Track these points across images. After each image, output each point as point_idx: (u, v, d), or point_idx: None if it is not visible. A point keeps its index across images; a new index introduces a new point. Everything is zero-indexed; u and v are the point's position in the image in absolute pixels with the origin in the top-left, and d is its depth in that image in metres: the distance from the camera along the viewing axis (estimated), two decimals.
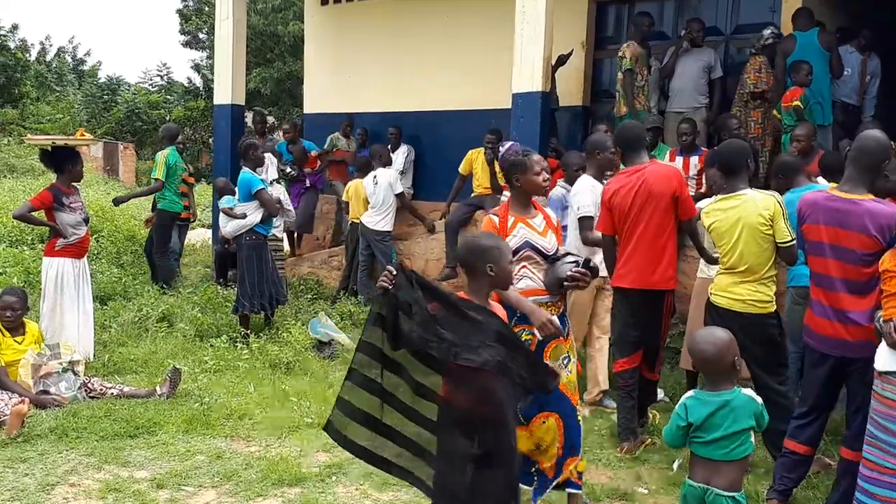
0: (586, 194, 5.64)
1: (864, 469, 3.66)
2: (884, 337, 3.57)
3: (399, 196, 8.81)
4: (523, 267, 3.94)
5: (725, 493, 3.12)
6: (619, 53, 8.04)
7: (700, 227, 5.02)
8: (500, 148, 6.65)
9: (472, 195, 8.81)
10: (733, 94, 8.14)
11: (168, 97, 26.98)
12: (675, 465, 4.79)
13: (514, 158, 4.05)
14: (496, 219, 4.07)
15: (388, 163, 9.05)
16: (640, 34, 8.14)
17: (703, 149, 7.41)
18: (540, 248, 3.99)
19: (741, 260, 4.44)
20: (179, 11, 25.65)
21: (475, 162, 8.80)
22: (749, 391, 3.21)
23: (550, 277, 3.91)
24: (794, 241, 4.35)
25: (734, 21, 8.56)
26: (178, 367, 5.96)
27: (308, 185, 10.35)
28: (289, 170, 9.95)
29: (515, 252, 3.80)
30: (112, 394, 5.75)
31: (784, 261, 4.51)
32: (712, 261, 5.27)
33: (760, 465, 4.74)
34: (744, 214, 4.43)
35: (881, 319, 3.63)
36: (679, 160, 7.30)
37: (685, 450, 3.47)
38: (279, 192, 8.28)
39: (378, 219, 8.75)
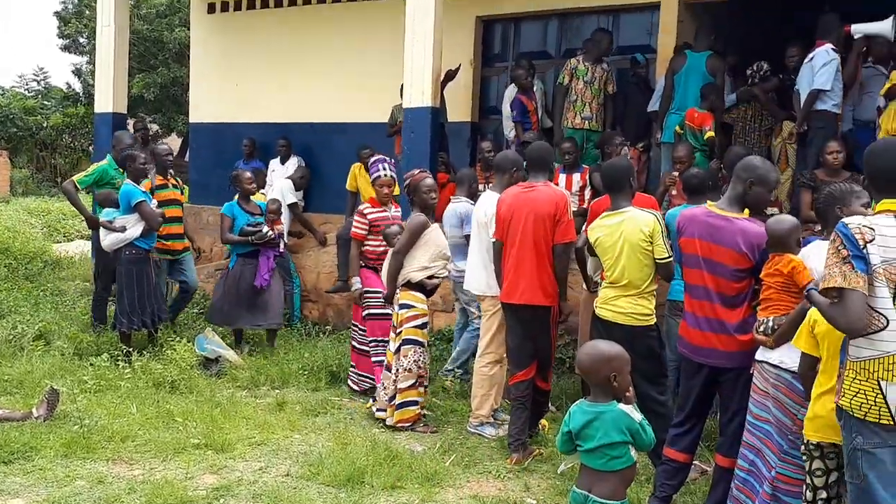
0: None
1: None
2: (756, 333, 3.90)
3: (291, 207, 8.75)
4: None
5: (603, 501, 3.18)
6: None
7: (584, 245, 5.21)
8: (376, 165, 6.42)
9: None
10: (620, 112, 8.49)
11: (45, 103, 25.71)
12: (560, 469, 4.94)
13: None
14: None
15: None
16: (598, 51, 8.25)
17: (584, 166, 7.64)
18: None
19: (623, 274, 4.61)
20: (58, 14, 24.54)
21: (359, 176, 8.83)
22: (627, 407, 3.21)
23: None
24: (671, 259, 4.55)
25: (614, 42, 8.84)
26: (55, 387, 5.70)
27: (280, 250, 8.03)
28: (266, 230, 7.59)
29: None
30: None
31: (662, 277, 4.70)
32: (590, 286, 5.55)
33: (642, 472, 4.87)
34: (625, 231, 4.61)
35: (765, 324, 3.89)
36: (562, 177, 7.51)
37: (574, 456, 3.55)
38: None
39: None
